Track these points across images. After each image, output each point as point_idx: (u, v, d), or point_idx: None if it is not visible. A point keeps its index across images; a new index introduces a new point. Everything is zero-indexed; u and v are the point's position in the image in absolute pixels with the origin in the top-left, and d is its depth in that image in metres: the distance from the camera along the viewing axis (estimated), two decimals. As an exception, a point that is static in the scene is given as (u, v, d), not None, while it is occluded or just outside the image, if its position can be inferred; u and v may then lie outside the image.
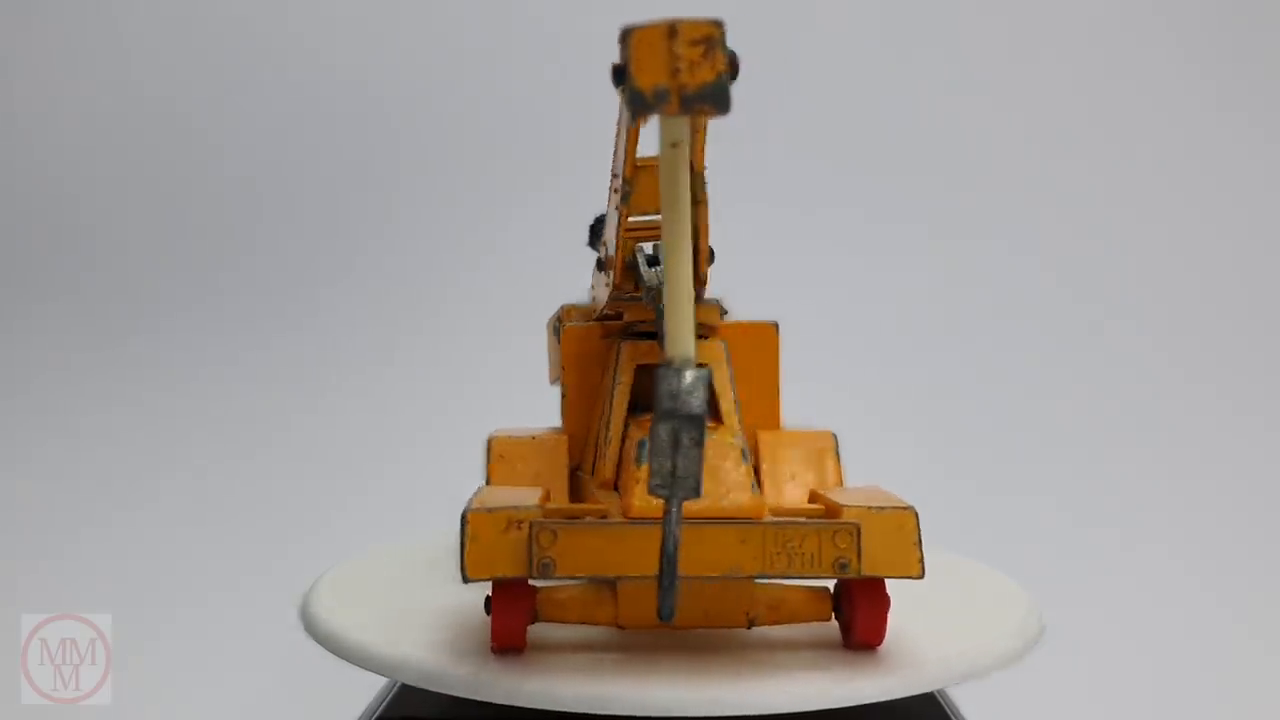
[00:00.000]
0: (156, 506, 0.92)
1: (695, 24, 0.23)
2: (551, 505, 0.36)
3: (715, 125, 0.26)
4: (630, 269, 0.41)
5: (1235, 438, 0.96)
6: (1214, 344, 1.01)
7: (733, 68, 0.24)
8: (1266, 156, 1.06)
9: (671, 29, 0.23)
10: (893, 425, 0.93)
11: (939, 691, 0.45)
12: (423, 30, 1.14)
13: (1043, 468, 0.94)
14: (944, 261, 1.04)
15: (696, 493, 0.26)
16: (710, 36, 0.23)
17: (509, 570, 0.32)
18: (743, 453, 0.32)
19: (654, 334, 0.42)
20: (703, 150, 0.33)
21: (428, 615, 0.38)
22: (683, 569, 0.30)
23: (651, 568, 0.30)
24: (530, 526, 0.31)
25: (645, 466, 0.31)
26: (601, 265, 0.43)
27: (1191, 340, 1.01)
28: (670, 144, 0.25)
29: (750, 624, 0.34)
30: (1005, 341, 1.01)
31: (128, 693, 0.57)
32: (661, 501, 0.30)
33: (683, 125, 0.25)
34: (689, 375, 0.26)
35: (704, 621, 0.34)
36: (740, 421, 0.39)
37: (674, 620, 0.29)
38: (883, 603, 0.33)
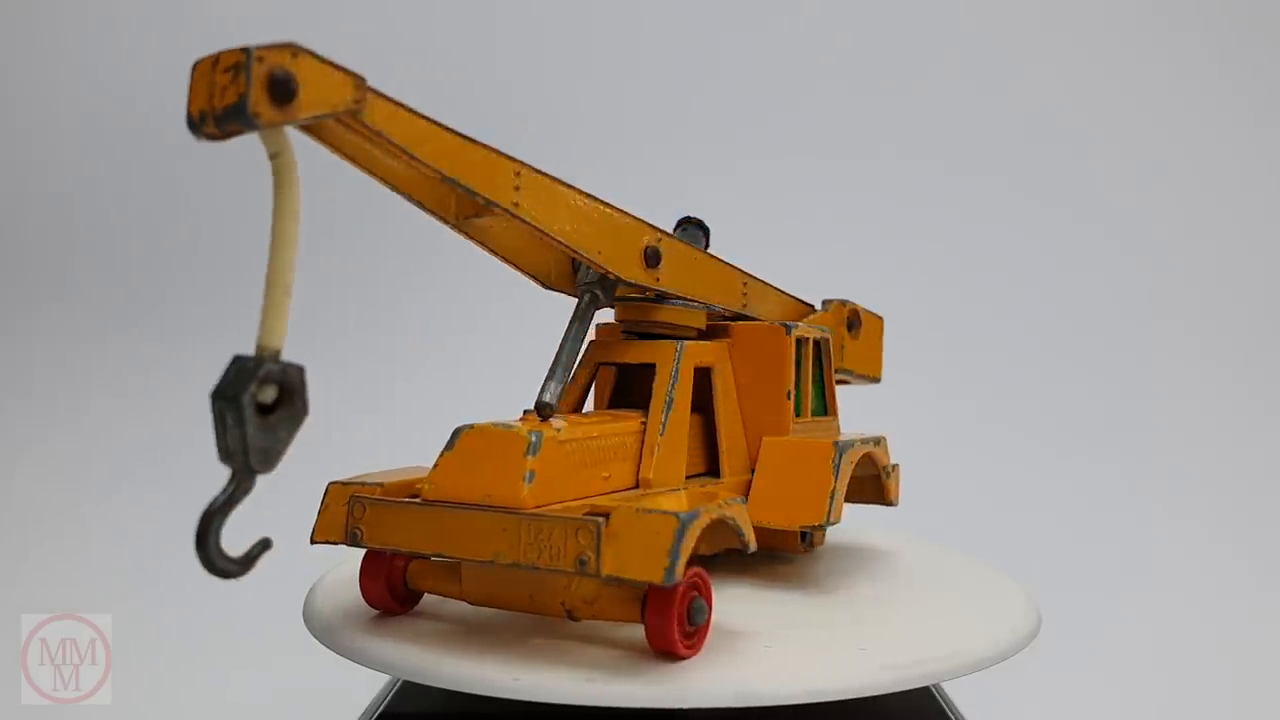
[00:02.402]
0: (156, 506, 0.92)
1: (229, 53, 0.26)
2: (407, 483, 0.36)
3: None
4: (576, 271, 0.43)
5: (1235, 442, 0.96)
6: (1217, 348, 1.01)
7: (276, 86, 0.26)
8: (1266, 160, 1.06)
9: (215, 59, 0.26)
10: (893, 426, 0.93)
11: (935, 688, 0.45)
12: (420, 29, 1.15)
13: (1043, 469, 0.94)
14: (949, 267, 1.04)
15: (251, 468, 0.27)
16: (238, 63, 0.26)
17: (338, 537, 0.35)
18: (529, 446, 0.33)
19: (629, 333, 0.44)
20: (481, 168, 0.34)
21: (420, 610, 0.39)
22: (455, 551, 0.32)
23: (439, 547, 0.33)
24: (350, 499, 0.34)
25: (446, 454, 0.34)
26: None
27: (1195, 344, 1.01)
28: (270, 155, 0.27)
29: (569, 615, 0.34)
30: (1009, 344, 1.01)
31: (128, 693, 0.57)
32: (454, 485, 0.33)
33: (278, 137, 0.27)
34: (248, 364, 0.28)
35: (529, 606, 0.35)
36: (672, 420, 0.40)
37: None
38: (668, 612, 0.32)
